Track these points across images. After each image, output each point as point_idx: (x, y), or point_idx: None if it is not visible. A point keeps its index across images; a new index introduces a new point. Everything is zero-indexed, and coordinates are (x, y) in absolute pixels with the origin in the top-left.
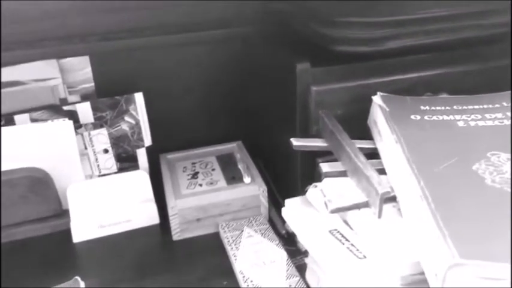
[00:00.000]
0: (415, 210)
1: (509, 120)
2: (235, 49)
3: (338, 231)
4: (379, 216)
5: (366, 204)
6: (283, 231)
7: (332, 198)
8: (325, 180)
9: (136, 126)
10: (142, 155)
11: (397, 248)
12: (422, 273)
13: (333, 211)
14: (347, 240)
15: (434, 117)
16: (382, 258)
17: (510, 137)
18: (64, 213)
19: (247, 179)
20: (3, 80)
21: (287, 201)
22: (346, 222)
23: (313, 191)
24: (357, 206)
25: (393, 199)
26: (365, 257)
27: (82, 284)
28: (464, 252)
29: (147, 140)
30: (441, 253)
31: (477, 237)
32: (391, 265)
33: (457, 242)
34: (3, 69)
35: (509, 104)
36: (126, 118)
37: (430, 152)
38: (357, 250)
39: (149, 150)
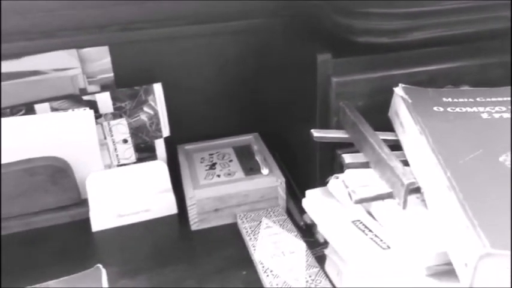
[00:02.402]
0: (442, 201)
1: None
2: (253, 40)
3: (361, 222)
4: (404, 207)
5: (389, 195)
6: (302, 223)
7: (356, 188)
8: (347, 171)
9: (155, 116)
10: (160, 146)
11: (422, 239)
12: (448, 263)
13: (357, 202)
14: (370, 230)
15: (458, 109)
16: (406, 249)
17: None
18: (83, 203)
19: (265, 171)
20: (23, 69)
21: (308, 192)
22: (369, 213)
23: (334, 182)
24: (381, 197)
25: (417, 190)
26: (389, 247)
27: (104, 272)
28: (496, 242)
29: (166, 131)
30: (471, 243)
31: (507, 227)
32: (416, 256)
33: (487, 232)
34: (24, 59)
35: None
36: (145, 108)
37: (454, 143)
38: (381, 241)
39: (167, 140)
